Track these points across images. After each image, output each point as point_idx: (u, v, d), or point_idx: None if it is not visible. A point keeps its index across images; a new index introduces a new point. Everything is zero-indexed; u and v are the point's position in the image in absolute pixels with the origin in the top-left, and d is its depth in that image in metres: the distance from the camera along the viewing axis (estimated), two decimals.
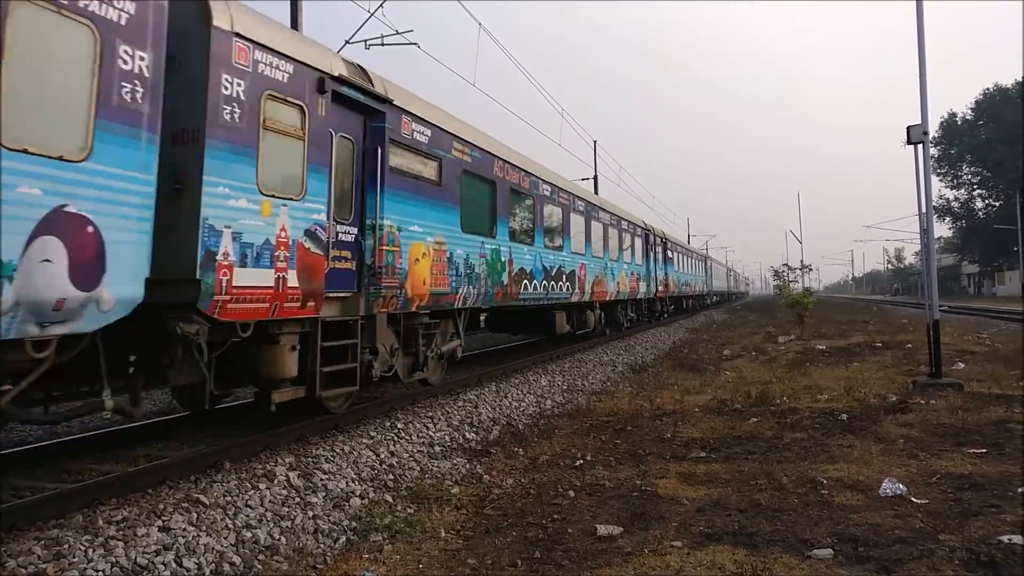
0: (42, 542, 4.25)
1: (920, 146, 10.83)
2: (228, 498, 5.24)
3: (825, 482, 5.91)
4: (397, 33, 15.59)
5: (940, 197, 75.83)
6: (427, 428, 8.14)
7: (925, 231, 11.49)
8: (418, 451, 7.28)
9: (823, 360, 15.19)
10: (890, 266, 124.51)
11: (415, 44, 15.82)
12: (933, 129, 64.09)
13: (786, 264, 45.57)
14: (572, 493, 5.96)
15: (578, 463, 6.95)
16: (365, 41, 15.55)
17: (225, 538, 4.63)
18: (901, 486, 5.59)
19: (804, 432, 7.95)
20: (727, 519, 5.15)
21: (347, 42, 15.11)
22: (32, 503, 4.79)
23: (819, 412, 9.00)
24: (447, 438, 7.95)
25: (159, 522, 4.64)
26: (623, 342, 21.22)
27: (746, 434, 8.00)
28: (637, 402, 10.51)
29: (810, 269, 47.27)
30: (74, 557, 4.07)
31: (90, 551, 4.16)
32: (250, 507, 5.15)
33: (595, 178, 37.25)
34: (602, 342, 20.44)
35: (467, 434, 8.25)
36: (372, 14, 14.60)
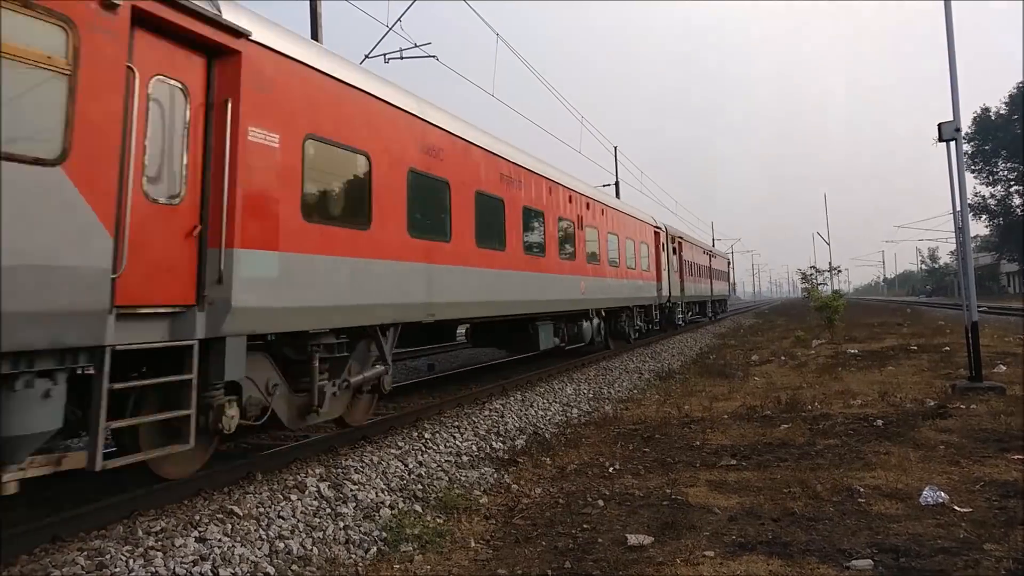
0: (85, 553, 4.35)
1: (952, 143, 10.63)
2: (261, 509, 5.30)
3: (862, 490, 5.80)
4: (415, 46, 15.76)
5: (975, 194, 74.20)
6: (454, 438, 8.16)
7: (960, 230, 11.26)
8: (446, 461, 7.30)
9: (855, 364, 14.93)
10: (924, 266, 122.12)
11: (433, 57, 15.98)
12: (966, 125, 62.68)
13: (813, 266, 44.71)
14: (601, 502, 5.92)
15: (607, 472, 6.91)
16: (384, 55, 15.73)
17: (259, 549, 4.68)
18: (942, 494, 5.46)
19: (838, 438, 7.81)
20: (760, 528, 5.07)
21: (367, 56, 15.31)
22: (75, 515, 4.89)
23: (853, 418, 8.84)
24: (474, 447, 7.96)
25: (195, 533, 4.72)
26: (648, 349, 21.09)
27: (777, 441, 7.88)
28: (665, 409, 10.42)
29: (839, 271, 46.39)
30: (115, 567, 4.16)
31: (130, 561, 4.24)
32: (282, 518, 5.20)
33: (616, 184, 37.21)
34: (627, 349, 20.34)
35: (494, 443, 8.26)
36: (390, 28, 14.78)
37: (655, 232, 23.59)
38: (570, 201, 14.79)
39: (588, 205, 16.14)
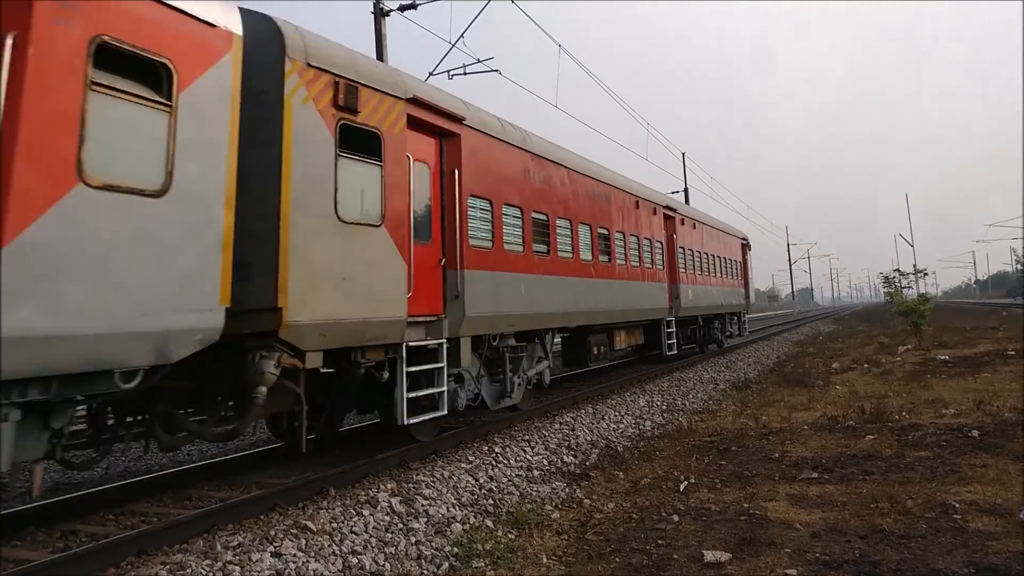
0: (167, 566, 4.50)
1: None
2: (334, 524, 5.38)
3: (957, 505, 5.45)
4: (479, 61, 15.96)
5: None
6: (524, 452, 8.12)
7: None
8: (516, 475, 7.26)
9: (946, 371, 14.11)
10: (1020, 267, 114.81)
11: (496, 71, 16.13)
12: None
13: (897, 269, 42.50)
14: (676, 517, 5.77)
15: (681, 486, 6.72)
16: (448, 71, 15.98)
17: (332, 564, 4.75)
18: None
19: (928, 450, 7.38)
20: (846, 546, 4.83)
21: (431, 73, 15.58)
22: (158, 529, 5.09)
23: (945, 428, 8.35)
24: (545, 461, 7.89)
25: (271, 548, 4.82)
26: (724, 358, 20.55)
27: (862, 453, 7.52)
28: (741, 420, 10.11)
29: (925, 274, 43.93)
30: None
31: (211, 575, 4.37)
32: (355, 533, 5.27)
33: (685, 190, 36.64)
34: (701, 359, 19.88)
35: (565, 457, 8.16)
36: (453, 45, 15.01)
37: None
38: None
39: None
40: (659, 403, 12.23)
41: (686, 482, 6.84)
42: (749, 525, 5.45)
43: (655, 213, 16.00)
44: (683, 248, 17.79)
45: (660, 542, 5.20)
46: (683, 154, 37.93)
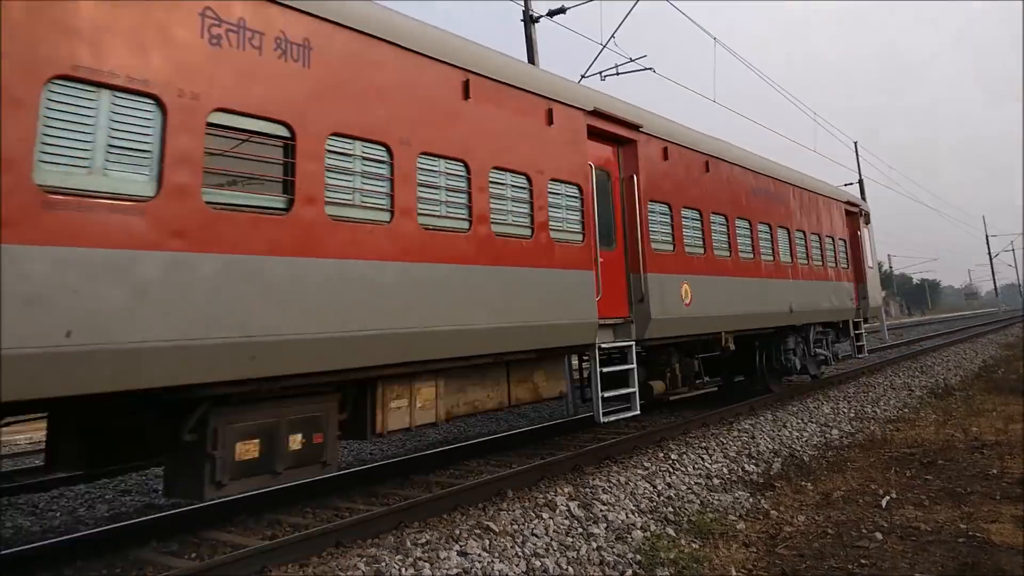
0: (364, 559, 4.77)
1: None
2: (515, 526, 5.44)
3: None
4: (631, 60, 15.71)
5: None
6: (702, 459, 7.79)
7: None
8: (696, 483, 6.97)
9: None
10: None
11: (650, 69, 15.81)
12: None
13: None
14: (879, 535, 5.25)
15: (883, 501, 6.12)
16: (600, 73, 15.88)
17: (516, 565, 4.79)
18: None
19: None
20: None
21: (583, 76, 15.55)
22: (353, 523, 5.41)
23: None
24: (725, 470, 7.52)
25: (457, 547, 4.96)
26: (917, 363, 18.63)
27: None
28: (945, 431, 9.08)
29: None
30: (391, 575, 4.49)
31: (403, 570, 4.57)
32: (536, 536, 5.29)
33: (860, 182, 33.90)
34: (891, 363, 18.15)
35: (746, 466, 7.73)
36: (604, 46, 14.89)
37: None
38: None
39: None
40: (846, 410, 11.29)
41: (887, 497, 6.22)
42: (969, 549, 4.84)
43: (551, 121, 7.18)
44: (669, 205, 9.00)
45: (863, 561, 4.76)
46: (855, 143, 35.13)
